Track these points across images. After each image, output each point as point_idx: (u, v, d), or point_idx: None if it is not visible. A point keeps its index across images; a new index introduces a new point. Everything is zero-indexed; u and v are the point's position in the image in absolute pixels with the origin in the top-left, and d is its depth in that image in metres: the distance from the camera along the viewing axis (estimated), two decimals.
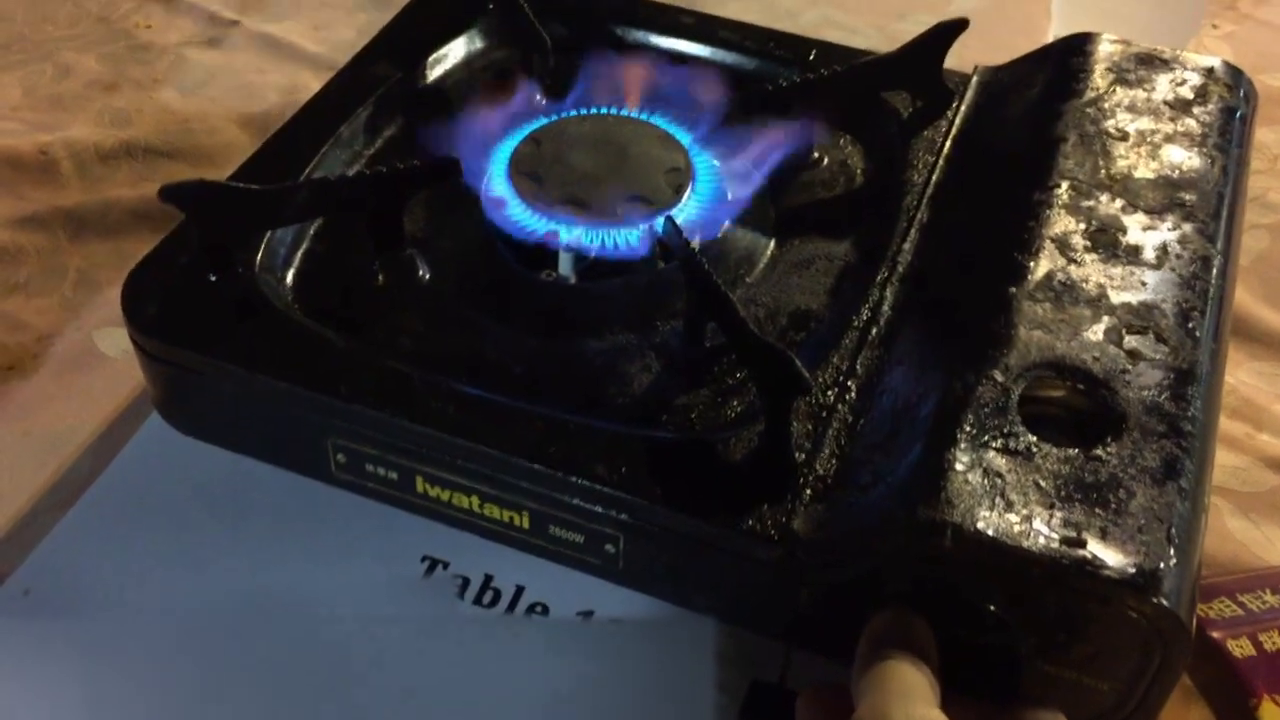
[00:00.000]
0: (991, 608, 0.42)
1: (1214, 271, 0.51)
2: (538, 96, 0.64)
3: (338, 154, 0.61)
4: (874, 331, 0.52)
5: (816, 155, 0.63)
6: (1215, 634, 0.49)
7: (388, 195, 0.56)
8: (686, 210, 0.56)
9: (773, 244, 0.59)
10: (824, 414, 0.49)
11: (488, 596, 0.52)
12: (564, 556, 0.50)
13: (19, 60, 0.78)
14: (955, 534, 0.41)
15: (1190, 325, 0.48)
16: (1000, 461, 0.44)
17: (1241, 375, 0.63)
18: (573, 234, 0.55)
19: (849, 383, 0.50)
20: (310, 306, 0.55)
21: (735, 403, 0.51)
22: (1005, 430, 0.44)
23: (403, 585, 0.52)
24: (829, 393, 0.50)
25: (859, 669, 0.41)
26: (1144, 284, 0.50)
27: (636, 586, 0.50)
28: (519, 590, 0.52)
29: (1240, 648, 0.48)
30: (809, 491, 0.46)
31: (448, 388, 0.50)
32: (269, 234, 0.56)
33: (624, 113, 0.61)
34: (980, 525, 0.41)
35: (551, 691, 0.49)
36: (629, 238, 0.55)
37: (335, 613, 0.51)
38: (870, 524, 0.44)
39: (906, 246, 0.56)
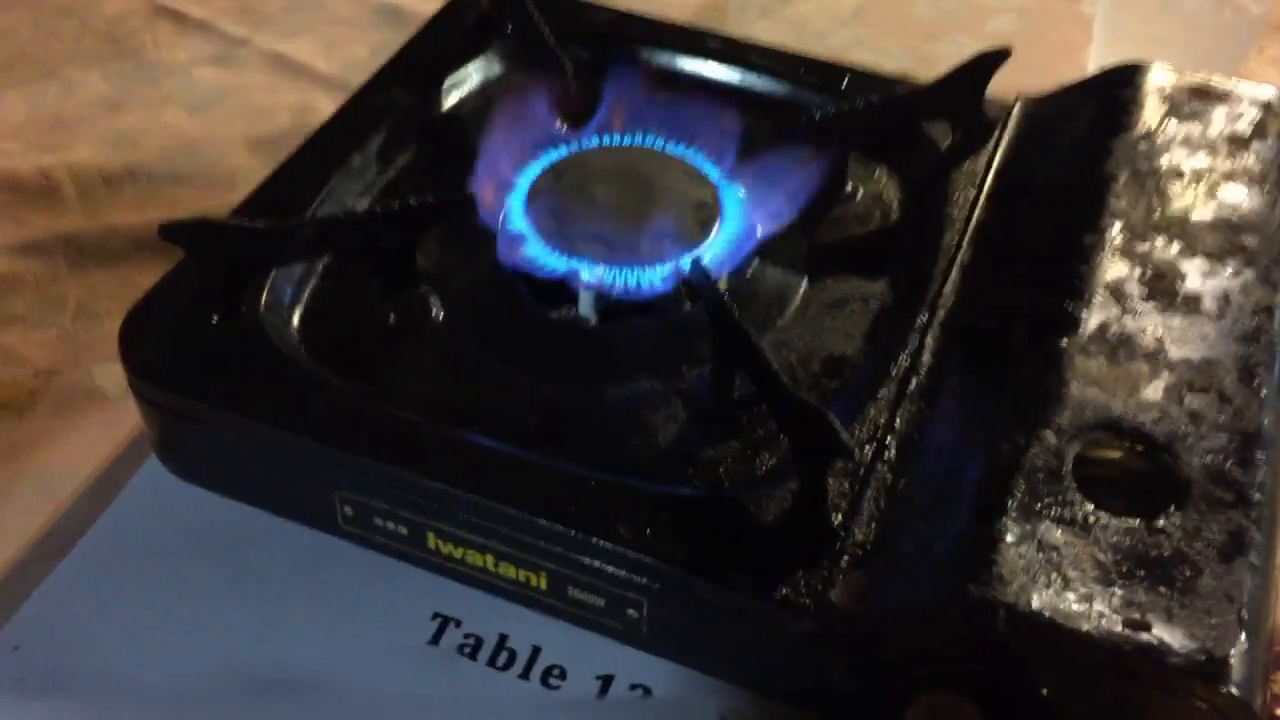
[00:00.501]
0: (1045, 693, 0.39)
1: (1278, 322, 0.48)
2: (558, 124, 0.60)
3: (348, 185, 0.58)
4: (914, 383, 0.49)
5: (851, 188, 0.60)
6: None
7: (398, 232, 0.53)
8: (714, 248, 0.53)
9: (805, 283, 0.56)
10: (861, 473, 0.46)
11: (502, 658, 0.49)
12: (584, 620, 0.47)
13: (22, 78, 0.75)
14: (1009, 615, 0.38)
15: (1255, 383, 0.45)
16: (1055, 534, 0.41)
17: None
18: (594, 273, 0.52)
19: (888, 439, 0.47)
20: (317, 349, 0.52)
21: (767, 455, 0.48)
22: (1060, 498, 0.41)
23: (412, 644, 0.49)
24: (866, 449, 0.47)
25: None
26: (1205, 337, 0.47)
27: (661, 653, 0.47)
28: (535, 651, 0.49)
29: None
30: (847, 558, 0.43)
31: (461, 440, 0.47)
32: (273, 272, 0.53)
33: (649, 143, 0.57)
34: (1036, 605, 0.38)
35: None
36: (653, 277, 0.52)
37: (340, 675, 0.48)
38: (914, 600, 0.41)
39: (947, 290, 0.52)
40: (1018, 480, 0.42)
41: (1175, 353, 0.46)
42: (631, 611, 0.46)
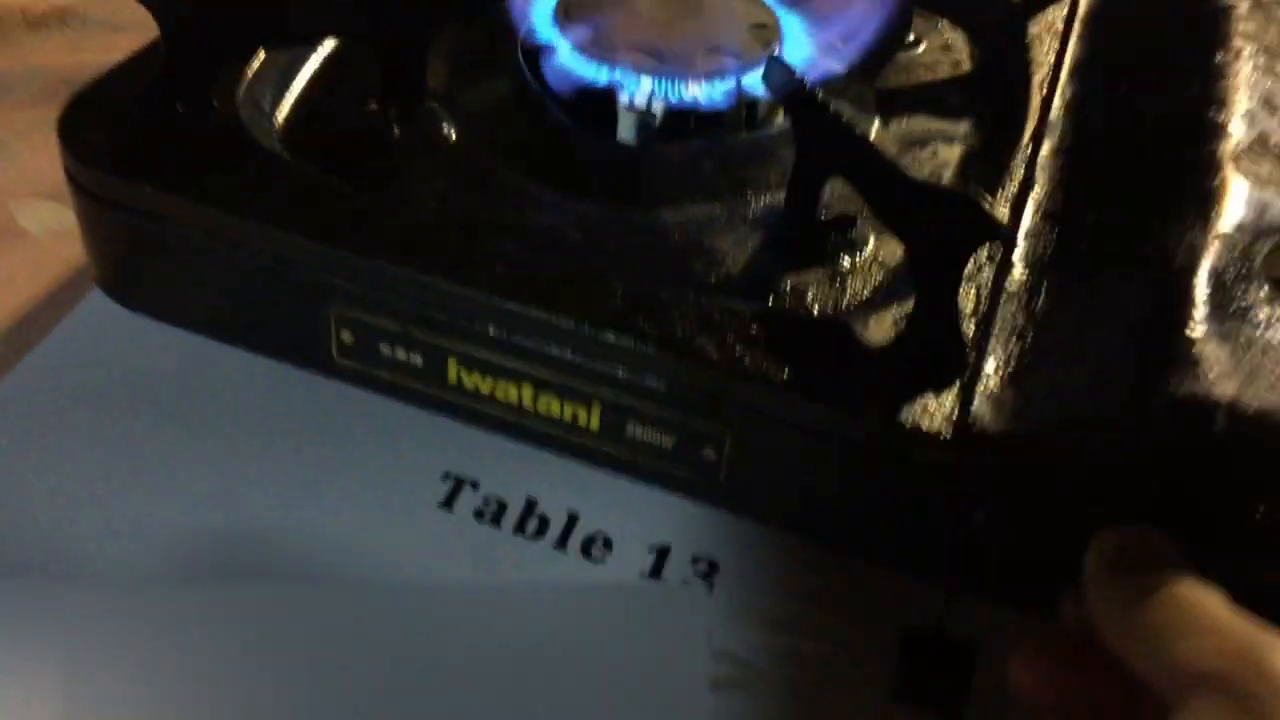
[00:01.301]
0: (1261, 510, 0.31)
1: None
2: None
3: None
4: (1032, 202, 0.41)
5: (913, 37, 0.53)
6: None
7: (412, 19, 0.44)
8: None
9: (876, 123, 0.48)
10: (986, 290, 0.37)
11: (531, 525, 0.40)
12: (642, 468, 0.38)
13: None
14: (1230, 413, 0.30)
15: None
16: (1259, 333, 0.33)
17: None
18: (642, 85, 0.44)
19: (1010, 256, 0.39)
20: (305, 155, 0.42)
21: (859, 286, 0.40)
22: (1256, 296, 0.34)
23: (419, 510, 0.40)
24: (982, 268, 0.38)
25: (1110, 605, 0.30)
26: None
27: (738, 507, 0.38)
28: (571, 518, 0.40)
29: None
30: (990, 377, 0.35)
31: (493, 245, 0.38)
32: (252, 68, 0.43)
33: None
34: (1261, 404, 0.30)
35: (618, 650, 0.37)
36: (712, 92, 0.44)
37: (327, 549, 0.38)
38: (1095, 408, 0.33)
39: (1053, 119, 0.45)
40: (1204, 281, 0.34)
41: None
42: (708, 452, 0.37)
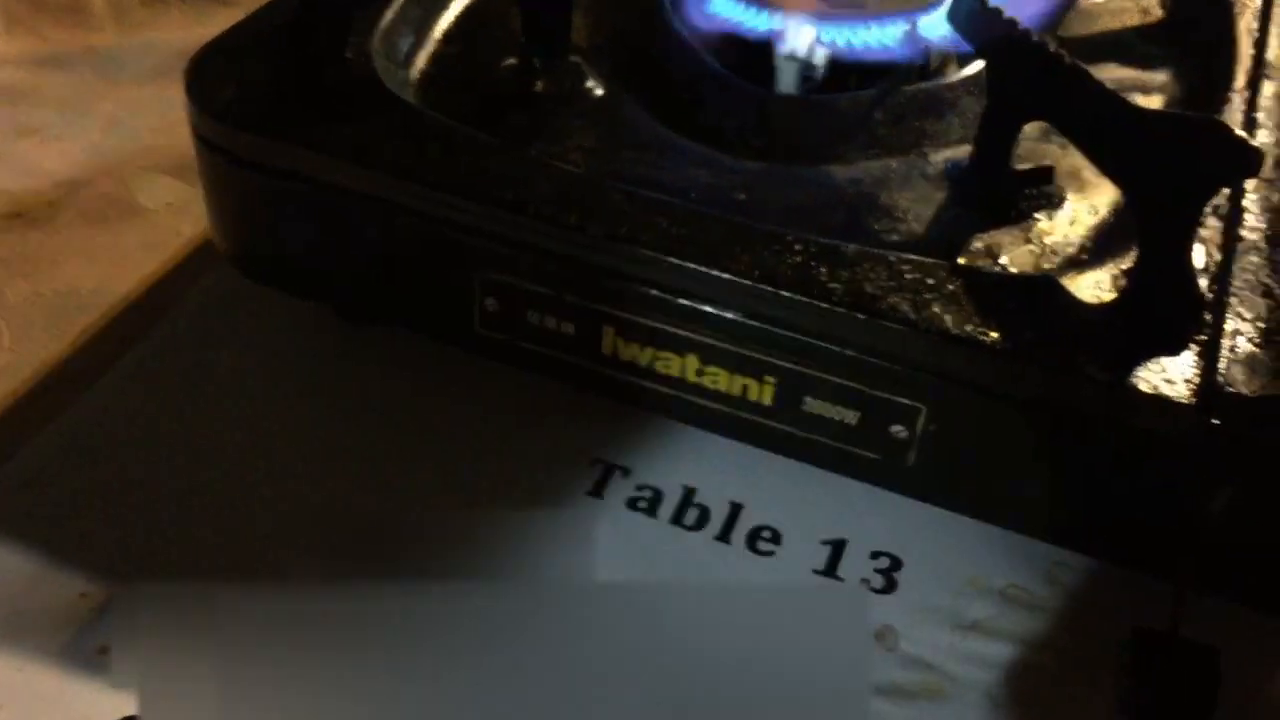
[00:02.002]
0: None
1: None
2: None
3: None
4: (1254, 138, 0.36)
5: None
6: None
7: None
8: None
9: None
10: (1220, 245, 0.33)
11: (691, 515, 0.35)
12: (819, 449, 0.34)
13: None
14: None
15: None
16: None
17: None
18: (803, 31, 0.40)
19: (1240, 204, 0.34)
20: (441, 108, 0.39)
21: (1060, 243, 0.35)
22: None
23: (569, 499, 0.36)
24: (1205, 220, 0.34)
25: None
26: None
27: (929, 493, 0.34)
28: (735, 508, 0.36)
29: None
30: (1239, 338, 0.30)
31: (655, 200, 0.34)
32: (386, 18, 0.40)
33: None
34: None
35: (789, 654, 0.33)
36: (884, 37, 0.40)
37: (473, 541, 0.35)
38: None
39: (1272, 58, 0.40)
40: None
41: None
42: (898, 428, 0.32)
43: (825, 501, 0.35)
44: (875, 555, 0.35)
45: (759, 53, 0.41)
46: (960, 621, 0.33)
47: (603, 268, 0.33)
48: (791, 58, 0.40)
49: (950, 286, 0.32)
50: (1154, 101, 0.42)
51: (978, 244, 0.36)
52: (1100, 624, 0.33)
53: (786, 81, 0.41)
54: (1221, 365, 0.29)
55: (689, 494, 0.36)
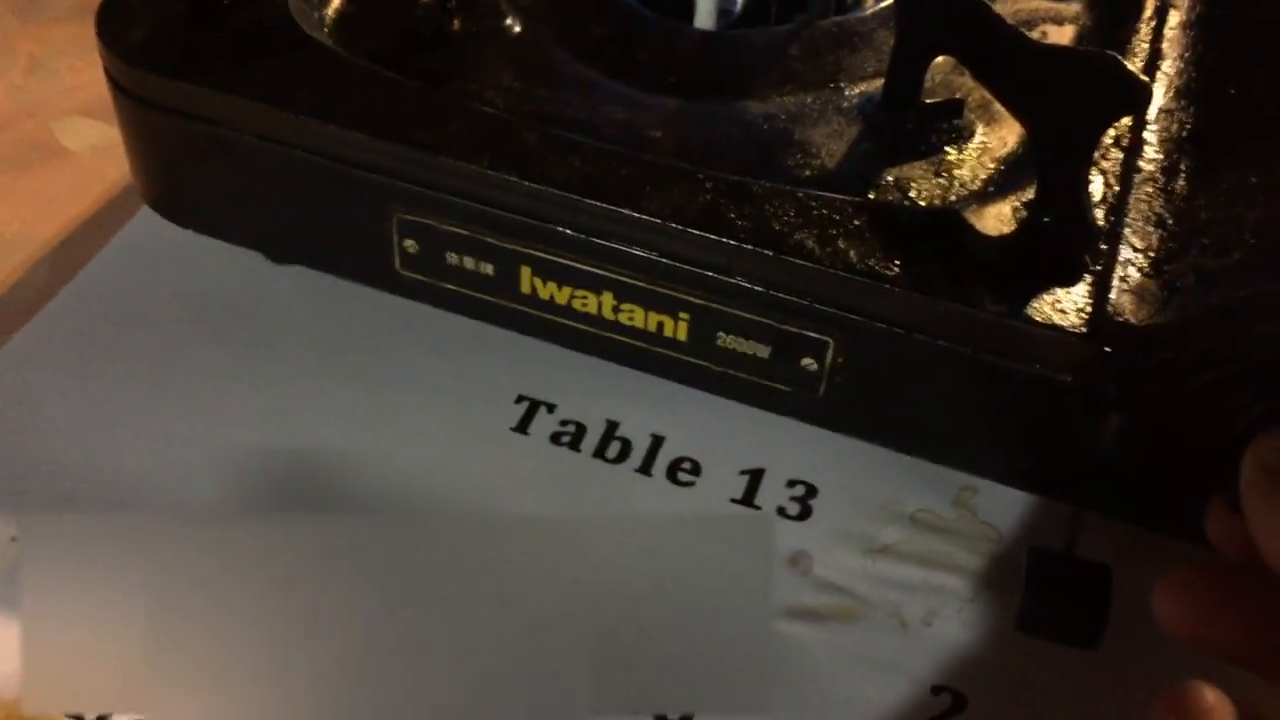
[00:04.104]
0: None
1: None
2: None
3: None
4: (1161, 78, 0.37)
5: None
6: None
7: None
8: None
9: None
10: (1118, 177, 0.34)
11: (614, 449, 0.36)
12: (734, 382, 0.35)
13: None
14: None
15: None
16: None
17: None
18: None
19: (1139, 136, 0.35)
20: (357, 50, 0.39)
21: (968, 177, 0.36)
22: None
23: (494, 434, 0.36)
24: (1107, 153, 0.35)
25: (1273, 517, 0.26)
26: None
27: (840, 424, 0.35)
28: (656, 441, 0.37)
29: None
30: (1130, 268, 0.31)
31: (565, 140, 0.34)
32: None
33: None
34: None
35: (708, 581, 0.34)
36: None
37: (396, 478, 0.35)
38: (1253, 294, 0.29)
39: None
40: None
41: None
42: (808, 362, 0.33)
43: (744, 432, 0.36)
44: (791, 484, 0.36)
45: None
46: (872, 545, 0.35)
47: (517, 208, 0.34)
48: None
49: (855, 222, 0.32)
50: (1066, 32, 0.42)
51: (888, 178, 0.36)
52: (1005, 545, 0.34)
53: (704, 16, 0.41)
54: (1112, 295, 0.30)
55: (611, 427, 0.37)
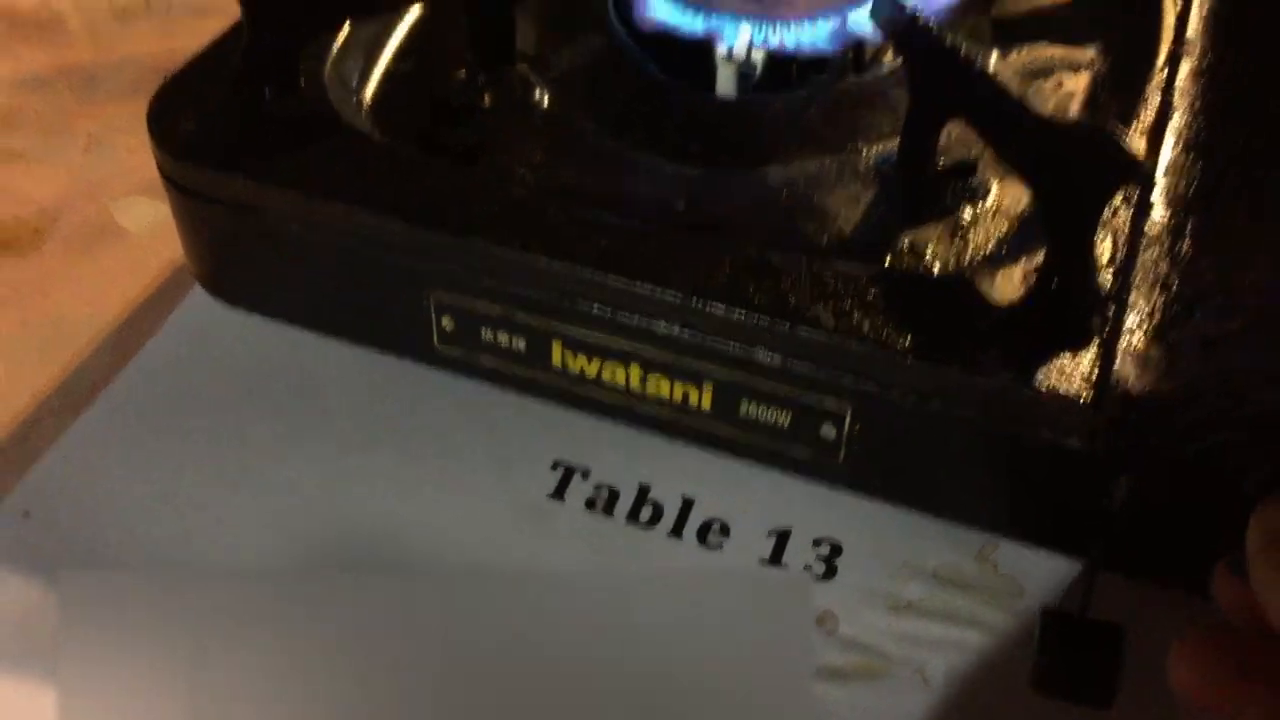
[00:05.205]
0: None
1: None
2: None
3: None
4: (1171, 133, 0.37)
5: None
6: None
7: None
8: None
9: (993, 55, 0.45)
10: (1126, 238, 0.34)
11: (645, 513, 0.38)
12: (757, 449, 0.36)
13: None
14: None
15: None
16: None
17: None
18: (739, 31, 0.41)
19: (1149, 195, 0.36)
20: (393, 130, 0.41)
21: (983, 238, 0.37)
22: None
23: (530, 500, 0.38)
24: (1118, 211, 0.35)
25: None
26: None
27: (862, 488, 0.36)
28: (687, 504, 0.38)
29: None
30: (1139, 333, 0.32)
31: (594, 218, 0.36)
32: (340, 41, 0.42)
33: None
34: None
35: (739, 640, 0.35)
36: (815, 35, 0.41)
37: (438, 542, 0.37)
38: (1255, 360, 0.30)
39: (1191, 35, 0.41)
40: None
41: None
42: (827, 429, 0.35)
43: (772, 493, 0.38)
44: (817, 543, 0.37)
45: (699, 56, 0.42)
46: (896, 602, 0.36)
47: (545, 286, 0.35)
48: (727, 59, 0.42)
49: (868, 293, 0.34)
50: (1082, 79, 0.43)
51: (904, 242, 0.37)
52: (1029, 599, 0.35)
53: (725, 84, 0.42)
54: (1117, 362, 0.31)
55: (644, 492, 0.38)
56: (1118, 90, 0.41)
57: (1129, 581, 0.33)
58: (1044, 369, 0.32)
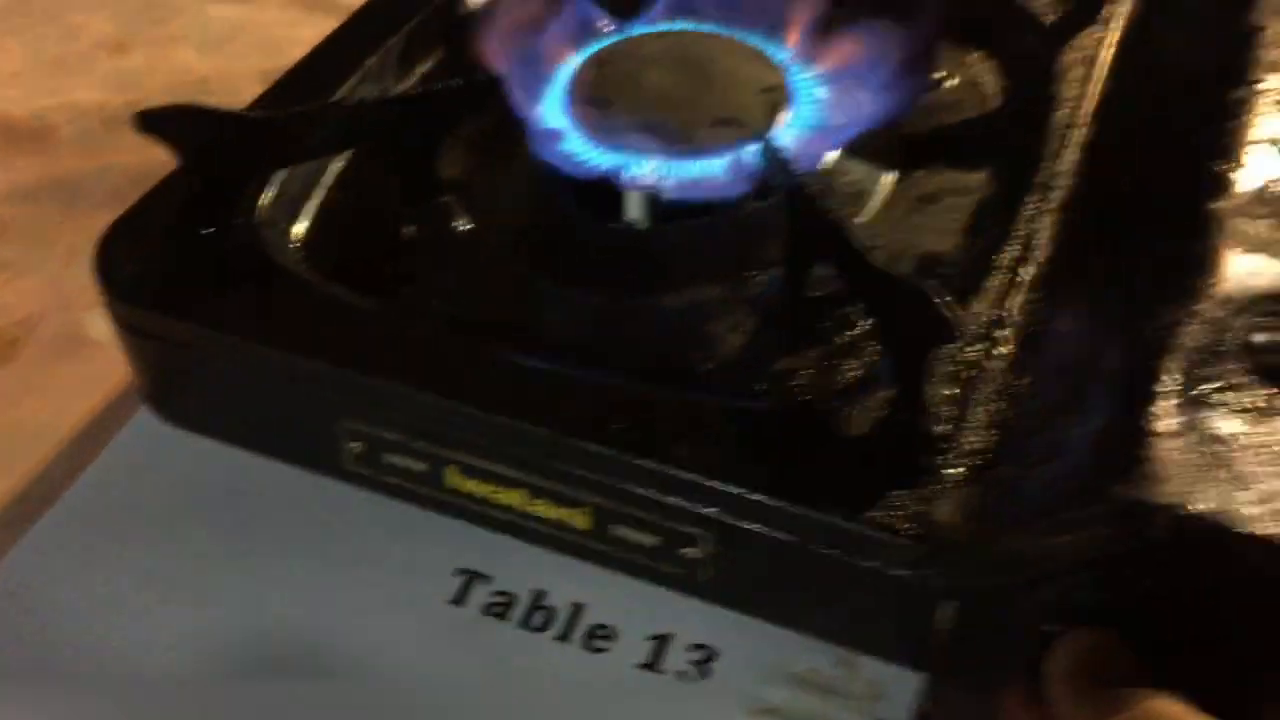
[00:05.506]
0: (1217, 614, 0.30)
1: None
2: (600, 18, 0.52)
3: (365, 89, 0.51)
4: (1026, 270, 0.40)
5: (943, 74, 0.52)
6: None
7: (422, 123, 0.46)
8: (784, 137, 0.45)
9: (893, 178, 0.47)
10: (970, 374, 0.37)
11: (538, 618, 0.41)
12: (632, 565, 0.39)
13: (23, 24, 0.69)
14: (1169, 519, 0.30)
15: None
16: (1223, 423, 0.32)
17: None
18: (643, 168, 0.44)
19: (998, 333, 0.38)
20: (324, 265, 0.44)
21: (852, 364, 0.40)
22: (1226, 381, 0.33)
23: (433, 606, 0.42)
24: (974, 347, 0.38)
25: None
26: None
27: (724, 602, 0.39)
28: (576, 609, 0.41)
29: None
30: (958, 472, 0.34)
31: (485, 354, 0.39)
32: (276, 180, 0.45)
33: (704, 28, 0.49)
34: (1203, 506, 0.30)
35: None
36: (712, 170, 0.44)
37: (351, 645, 0.41)
38: (1044, 511, 0.32)
39: (1063, 169, 0.44)
40: (1173, 363, 0.33)
41: None
42: (689, 551, 0.38)
43: (655, 600, 0.40)
44: (694, 648, 0.40)
45: (611, 189, 0.45)
46: (764, 707, 0.39)
47: (437, 420, 0.39)
48: (636, 189, 0.45)
49: (720, 426, 0.37)
50: (967, 205, 0.46)
51: (778, 370, 0.40)
52: (886, 705, 0.38)
53: (635, 210, 0.45)
54: (937, 501, 0.34)
55: (537, 596, 0.42)
56: (994, 219, 0.44)
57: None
58: (877, 505, 0.34)
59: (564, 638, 0.41)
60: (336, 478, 0.42)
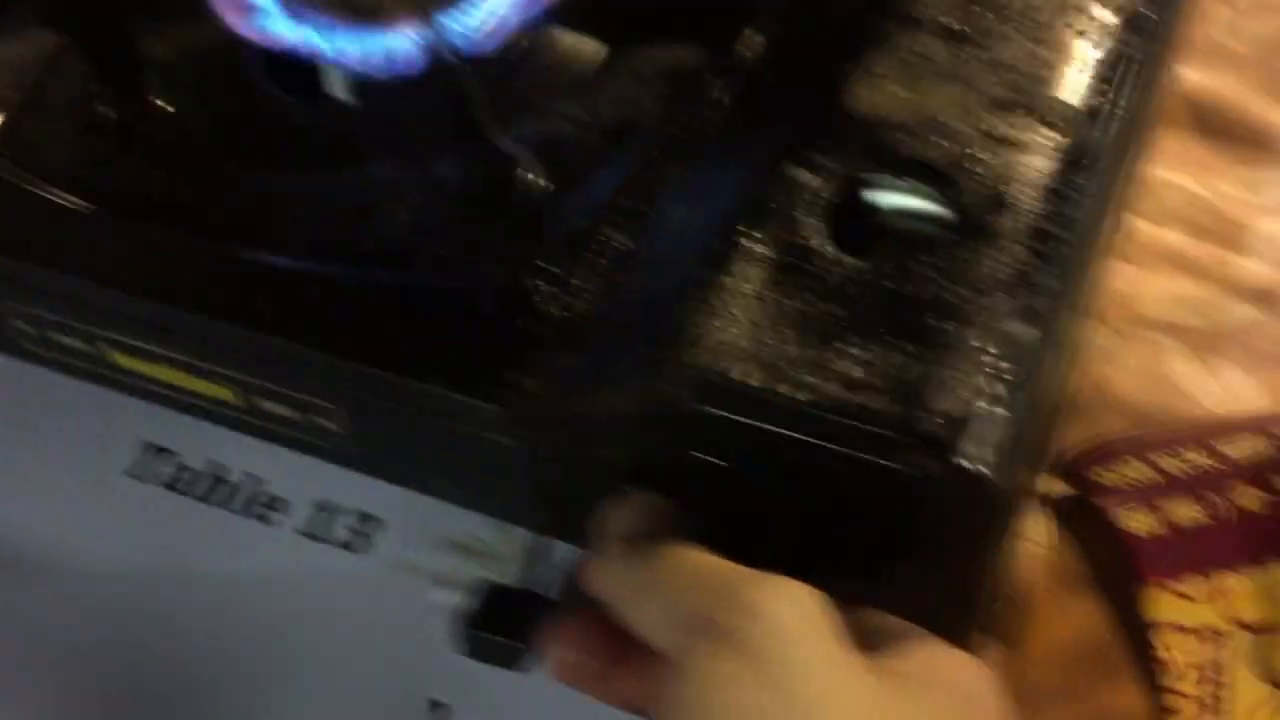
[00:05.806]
0: (765, 483, 0.31)
1: (1142, 35, 0.38)
2: None
3: None
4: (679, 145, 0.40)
5: None
6: (1103, 504, 0.36)
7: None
8: (475, 11, 0.44)
9: (606, 51, 0.47)
10: (586, 244, 0.37)
11: (219, 491, 0.42)
12: (283, 436, 0.40)
13: None
14: (702, 386, 0.30)
15: (1094, 102, 0.36)
16: (783, 286, 0.32)
17: (1222, 185, 0.50)
18: (331, 41, 0.44)
19: (628, 202, 0.38)
20: (20, 156, 0.44)
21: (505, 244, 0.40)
22: (801, 243, 0.33)
23: (114, 480, 0.43)
24: (589, 218, 0.38)
25: (612, 572, 0.30)
26: (1033, 53, 0.37)
27: (370, 470, 0.40)
28: (254, 481, 0.42)
29: (1137, 521, 0.36)
30: (560, 342, 0.35)
31: (133, 233, 0.40)
32: None
33: None
34: (737, 373, 0.30)
35: (277, 600, 0.39)
36: (399, 45, 0.44)
37: (30, 521, 0.42)
38: (610, 379, 0.33)
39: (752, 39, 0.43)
40: (757, 226, 0.33)
41: (983, 76, 0.36)
42: (328, 423, 0.38)
43: (323, 470, 0.41)
44: (360, 518, 0.41)
45: (307, 65, 0.45)
46: (427, 570, 0.40)
47: (85, 299, 0.39)
48: (327, 69, 0.45)
49: (345, 301, 0.37)
50: (668, 74, 0.45)
51: (444, 245, 0.40)
52: (542, 567, 0.39)
53: (336, 86, 0.45)
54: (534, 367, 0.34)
55: (217, 469, 0.43)
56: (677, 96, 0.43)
57: None
58: (470, 373, 0.35)
59: (240, 509, 0.42)
60: (17, 357, 0.43)
